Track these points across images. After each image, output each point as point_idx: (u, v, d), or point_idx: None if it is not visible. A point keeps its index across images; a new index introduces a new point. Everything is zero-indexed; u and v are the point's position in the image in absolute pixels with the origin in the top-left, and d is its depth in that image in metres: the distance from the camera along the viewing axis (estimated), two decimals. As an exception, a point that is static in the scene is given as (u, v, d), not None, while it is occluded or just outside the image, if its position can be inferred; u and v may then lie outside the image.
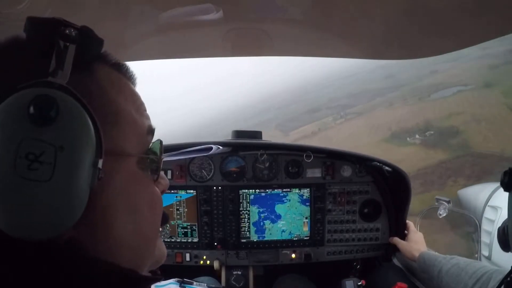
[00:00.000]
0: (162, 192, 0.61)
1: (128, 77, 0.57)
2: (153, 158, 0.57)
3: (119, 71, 0.55)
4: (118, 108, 0.52)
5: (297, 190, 2.13)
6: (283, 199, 2.13)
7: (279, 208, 2.14)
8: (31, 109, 0.40)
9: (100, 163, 0.45)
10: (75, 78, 0.45)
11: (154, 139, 0.60)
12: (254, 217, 2.14)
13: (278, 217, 2.14)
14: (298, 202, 2.13)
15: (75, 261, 0.46)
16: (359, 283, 1.96)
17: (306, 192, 2.13)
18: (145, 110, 0.58)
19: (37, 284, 0.44)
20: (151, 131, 0.57)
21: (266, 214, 2.14)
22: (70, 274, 0.45)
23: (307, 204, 2.14)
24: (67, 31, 0.45)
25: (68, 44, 0.45)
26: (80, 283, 0.46)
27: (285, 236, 2.16)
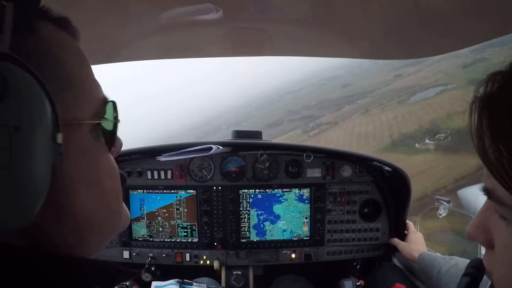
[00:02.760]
0: (116, 154, 0.57)
1: (73, 34, 0.50)
2: (108, 124, 0.52)
3: (63, 28, 0.48)
4: (69, 72, 0.46)
5: (297, 190, 2.13)
6: (280, 199, 2.13)
7: (277, 209, 2.14)
8: None
9: (59, 138, 0.40)
10: (17, 41, 0.38)
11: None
12: (254, 220, 2.14)
13: (277, 217, 2.14)
14: (296, 200, 2.13)
15: (45, 260, 0.42)
16: (357, 283, 1.96)
17: (306, 192, 2.13)
18: (94, 75, 0.52)
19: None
20: (104, 98, 0.52)
21: (264, 216, 2.14)
22: (41, 274, 0.41)
23: (305, 201, 2.14)
24: None
25: (4, 2, 0.37)
26: (53, 283, 0.42)
27: (287, 236, 2.16)
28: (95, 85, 0.51)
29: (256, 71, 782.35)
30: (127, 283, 1.95)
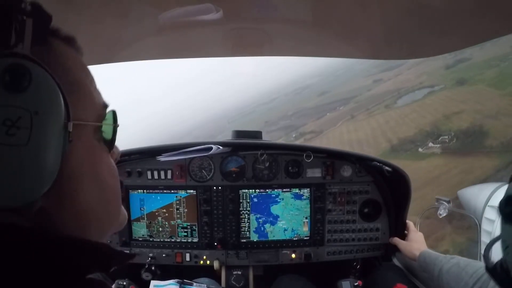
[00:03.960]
0: (115, 161, 0.63)
1: (78, 51, 0.58)
2: (108, 128, 0.59)
3: (70, 45, 0.56)
4: (75, 78, 0.53)
5: (297, 190, 2.13)
6: (276, 199, 2.13)
7: (275, 209, 2.14)
8: (6, 77, 0.42)
9: (70, 126, 0.47)
10: (34, 49, 0.46)
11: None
12: (254, 224, 2.15)
13: (276, 217, 2.14)
14: (292, 198, 2.14)
15: (47, 238, 0.46)
16: (355, 284, 1.96)
17: (306, 192, 2.13)
18: (97, 85, 0.60)
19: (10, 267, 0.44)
20: (105, 105, 0.59)
21: (263, 218, 2.14)
22: (43, 252, 0.45)
23: (302, 198, 2.14)
24: (23, 5, 0.46)
25: (25, 17, 0.46)
26: (55, 262, 0.46)
27: (288, 235, 2.16)
28: (97, 93, 0.59)
29: (226, 84, 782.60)
30: (124, 283, 1.94)
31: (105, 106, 0.59)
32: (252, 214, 2.14)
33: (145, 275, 2.07)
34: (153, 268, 2.11)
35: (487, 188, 2.36)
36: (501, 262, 0.83)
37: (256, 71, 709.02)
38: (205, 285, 1.91)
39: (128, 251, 2.13)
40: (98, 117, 0.57)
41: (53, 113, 0.45)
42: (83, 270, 0.51)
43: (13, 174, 0.43)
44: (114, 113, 0.61)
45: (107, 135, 0.59)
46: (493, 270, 0.84)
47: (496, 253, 0.83)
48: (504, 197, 0.70)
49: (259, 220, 2.14)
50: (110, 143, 0.60)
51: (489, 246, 0.91)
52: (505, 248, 0.73)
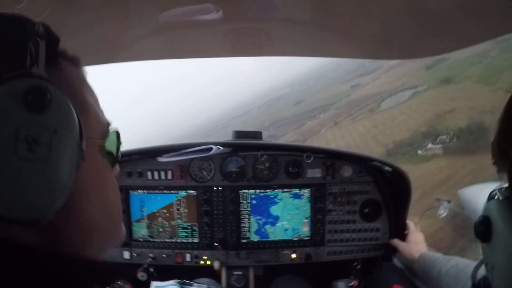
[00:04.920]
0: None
1: (83, 71, 0.61)
2: (113, 145, 0.62)
3: (76, 65, 0.59)
4: (83, 98, 0.56)
5: (297, 190, 2.13)
6: (275, 200, 2.13)
7: (274, 210, 2.14)
8: (28, 97, 0.44)
9: (84, 144, 0.50)
10: (47, 71, 0.49)
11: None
12: (254, 226, 2.15)
13: (276, 218, 2.14)
14: (291, 198, 2.13)
15: (49, 256, 0.48)
16: (350, 284, 1.96)
17: (306, 192, 2.13)
18: (100, 104, 0.63)
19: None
20: (109, 123, 0.63)
21: (263, 219, 2.14)
22: (44, 271, 0.46)
23: (301, 197, 2.13)
24: (36, 27, 0.48)
25: (38, 39, 0.48)
26: (55, 280, 0.47)
27: (289, 234, 2.16)
28: (102, 112, 0.62)
29: (197, 98, 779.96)
30: (120, 283, 1.94)
31: (109, 124, 0.63)
32: (252, 216, 2.14)
33: (140, 275, 2.07)
34: (150, 269, 2.10)
35: (487, 188, 2.36)
36: (484, 279, 0.87)
37: (227, 85, 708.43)
38: (206, 286, 1.91)
39: (128, 252, 2.13)
40: (103, 135, 0.60)
41: (70, 131, 0.48)
42: (82, 286, 0.52)
43: (31, 188, 0.45)
44: (117, 132, 0.64)
45: (111, 152, 0.62)
46: (477, 286, 0.87)
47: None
48: (479, 217, 0.71)
49: (259, 221, 2.14)
50: (114, 160, 0.63)
51: (477, 267, 0.92)
52: (485, 265, 0.75)
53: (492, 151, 0.74)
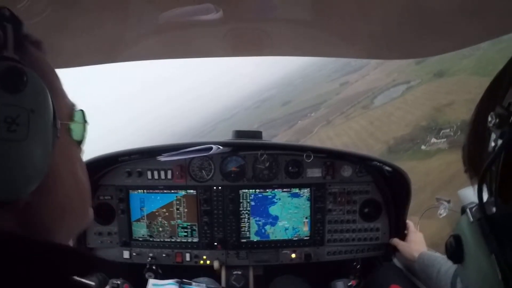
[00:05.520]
0: None
1: (45, 54, 0.61)
2: (79, 126, 0.63)
3: (40, 49, 0.59)
4: (50, 80, 0.57)
5: (297, 190, 2.13)
6: (273, 199, 2.13)
7: (273, 210, 2.14)
8: (5, 79, 0.46)
9: (58, 123, 0.52)
10: (17, 54, 0.49)
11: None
12: (254, 227, 2.15)
13: (276, 218, 2.14)
14: (289, 197, 2.13)
15: (28, 242, 0.48)
16: (349, 284, 1.96)
17: (306, 192, 2.13)
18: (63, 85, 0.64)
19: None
20: (74, 105, 0.63)
21: (263, 220, 2.14)
22: (22, 260, 0.46)
23: (299, 196, 2.13)
24: (2, 11, 0.49)
25: (5, 23, 0.48)
26: (36, 266, 0.47)
27: (290, 233, 2.16)
28: (66, 94, 0.63)
29: (184, 102, 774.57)
30: (118, 282, 1.94)
31: (74, 105, 0.63)
32: (252, 218, 2.14)
33: (147, 275, 2.08)
34: (154, 267, 2.11)
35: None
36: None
37: (213, 88, 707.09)
38: (205, 285, 1.91)
39: (128, 251, 2.13)
40: (70, 116, 0.61)
41: (46, 111, 0.50)
42: (62, 272, 0.52)
43: (11, 168, 0.46)
44: (83, 112, 0.65)
45: (78, 133, 0.63)
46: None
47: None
48: (450, 236, 0.64)
49: (259, 223, 2.15)
50: (81, 140, 0.64)
51: (455, 276, 0.88)
52: (462, 282, 0.70)
53: (462, 157, 0.66)
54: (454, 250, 0.62)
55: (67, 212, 0.57)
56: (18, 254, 0.46)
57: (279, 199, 2.13)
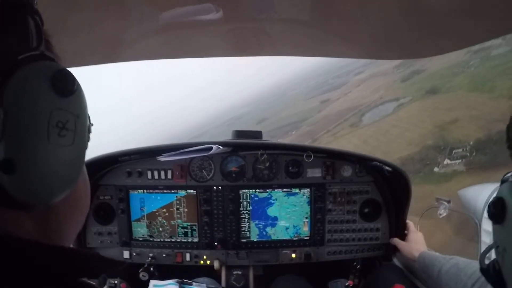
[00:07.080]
0: None
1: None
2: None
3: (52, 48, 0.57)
4: None
5: (297, 190, 2.13)
6: (270, 200, 2.13)
7: (271, 211, 2.14)
8: (58, 82, 0.45)
9: (91, 128, 0.53)
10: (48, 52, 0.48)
11: None
12: (255, 231, 2.15)
13: (275, 219, 2.14)
14: (285, 196, 2.13)
15: (40, 247, 0.46)
16: (346, 284, 1.96)
17: (306, 192, 2.13)
18: None
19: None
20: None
21: (263, 223, 2.15)
22: (34, 264, 0.45)
23: (296, 195, 2.13)
24: (33, 4, 0.45)
25: (36, 17, 0.45)
26: (47, 269, 0.46)
27: (291, 232, 2.16)
28: None
29: (154, 118, 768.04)
30: (115, 281, 1.94)
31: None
32: (252, 222, 2.14)
33: (142, 275, 2.07)
34: (151, 268, 2.11)
35: (487, 188, 2.36)
36: (493, 263, 0.83)
37: (180, 105, 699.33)
38: (205, 285, 1.92)
39: (128, 251, 2.13)
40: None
41: (86, 116, 0.50)
42: (73, 275, 0.51)
43: (54, 173, 0.45)
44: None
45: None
46: (486, 271, 0.85)
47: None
48: (493, 198, 0.70)
49: (259, 225, 2.15)
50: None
51: (486, 251, 0.91)
52: (496, 248, 0.73)
53: (507, 135, 0.70)
54: (496, 210, 0.67)
55: (77, 213, 0.57)
56: (33, 262, 0.45)
57: (276, 199, 2.13)
